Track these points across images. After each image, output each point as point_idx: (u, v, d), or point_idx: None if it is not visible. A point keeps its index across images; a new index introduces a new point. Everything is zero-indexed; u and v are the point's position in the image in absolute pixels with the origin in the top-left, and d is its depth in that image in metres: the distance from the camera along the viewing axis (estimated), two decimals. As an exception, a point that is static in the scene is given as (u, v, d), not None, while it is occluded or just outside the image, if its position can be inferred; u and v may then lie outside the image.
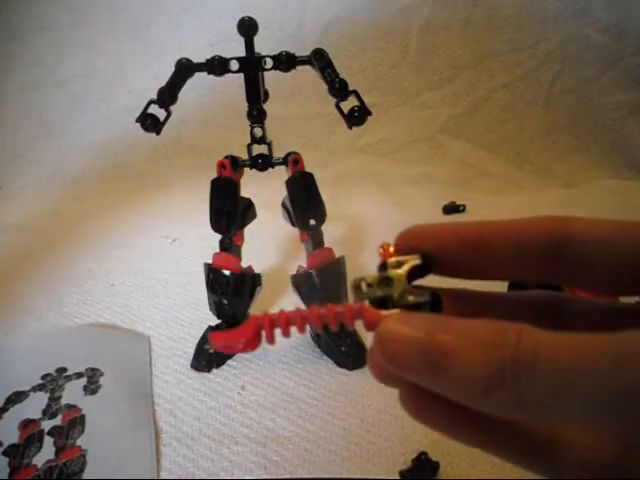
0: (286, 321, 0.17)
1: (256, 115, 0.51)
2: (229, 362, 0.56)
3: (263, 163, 0.53)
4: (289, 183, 0.53)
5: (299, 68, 0.49)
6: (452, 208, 0.96)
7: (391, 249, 0.18)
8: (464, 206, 0.97)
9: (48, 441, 0.44)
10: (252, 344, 0.17)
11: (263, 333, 0.17)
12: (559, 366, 0.13)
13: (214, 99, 1.06)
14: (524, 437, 0.16)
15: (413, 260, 0.17)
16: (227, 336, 0.17)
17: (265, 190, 0.67)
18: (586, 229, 0.17)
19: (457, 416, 0.16)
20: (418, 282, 0.18)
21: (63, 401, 0.49)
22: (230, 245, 0.56)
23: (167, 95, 0.50)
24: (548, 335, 0.13)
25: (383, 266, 0.17)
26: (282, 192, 0.54)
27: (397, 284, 0.17)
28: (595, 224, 0.17)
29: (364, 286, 0.17)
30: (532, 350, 0.13)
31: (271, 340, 0.17)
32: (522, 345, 0.13)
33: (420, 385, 0.15)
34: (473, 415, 0.15)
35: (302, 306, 0.56)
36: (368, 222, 0.93)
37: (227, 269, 0.55)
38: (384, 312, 0.16)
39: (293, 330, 0.17)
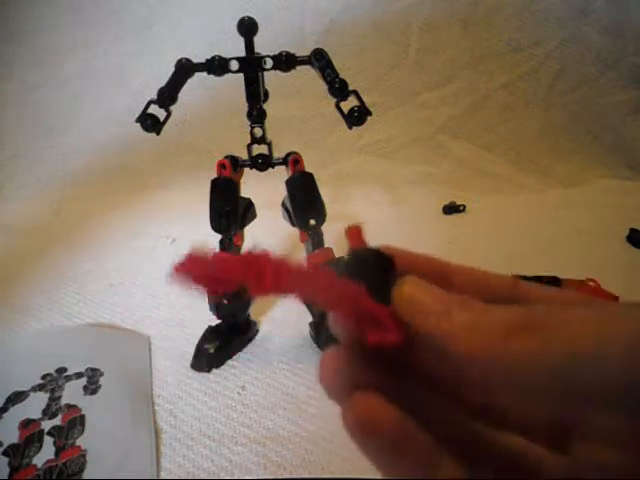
0: (286, 275, 0.14)
1: (256, 115, 0.51)
2: (229, 362, 0.56)
3: (263, 163, 0.53)
4: (289, 183, 0.53)
5: (299, 68, 0.49)
6: (452, 208, 0.96)
7: (362, 235, 0.17)
8: (464, 206, 0.97)
9: (48, 441, 0.44)
10: (261, 287, 0.14)
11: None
12: (593, 324, 0.13)
13: (214, 99, 1.06)
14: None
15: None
16: (219, 263, 0.13)
17: (265, 190, 0.67)
18: (542, 292, 0.17)
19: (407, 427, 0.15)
20: None
21: (63, 401, 0.49)
22: (230, 245, 0.56)
23: (167, 95, 0.50)
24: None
25: (354, 252, 0.17)
26: (282, 192, 0.54)
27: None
28: (541, 289, 0.18)
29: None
30: (564, 310, 0.14)
31: (269, 286, 0.14)
32: (554, 307, 0.14)
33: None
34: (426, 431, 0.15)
35: (302, 306, 0.57)
36: (368, 222, 0.92)
37: (227, 269, 0.55)
38: (379, 306, 0.15)
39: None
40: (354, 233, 0.17)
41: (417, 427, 0.15)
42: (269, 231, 0.78)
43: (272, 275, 0.14)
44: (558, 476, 0.15)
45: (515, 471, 0.16)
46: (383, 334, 0.15)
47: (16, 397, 0.49)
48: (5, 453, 0.43)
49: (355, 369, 0.16)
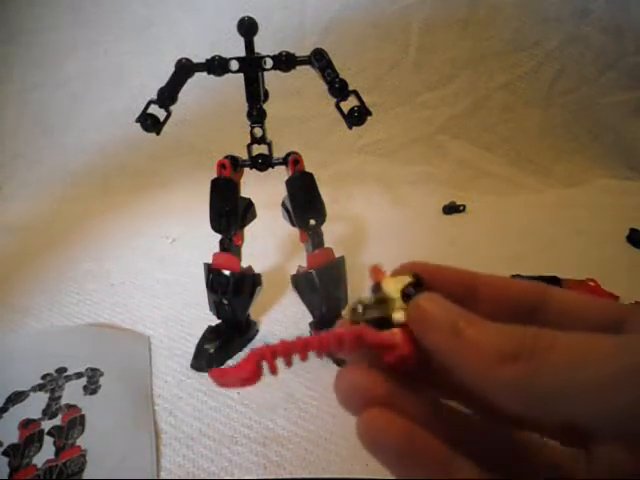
0: (287, 351, 0.17)
1: (256, 115, 0.51)
2: (229, 362, 0.56)
3: (263, 163, 0.53)
4: (289, 183, 0.53)
5: (299, 68, 0.49)
6: (452, 208, 0.96)
7: (383, 270, 0.18)
8: (464, 206, 0.97)
9: (48, 441, 0.44)
10: (252, 378, 0.16)
11: (264, 365, 0.17)
12: (576, 351, 0.13)
13: (214, 99, 1.06)
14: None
15: (405, 279, 0.17)
16: (227, 373, 0.17)
17: (265, 190, 0.67)
18: (563, 296, 0.18)
19: (419, 439, 0.16)
20: None
21: (63, 401, 0.49)
22: (230, 245, 0.56)
23: (167, 95, 0.50)
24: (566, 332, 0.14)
25: (376, 287, 0.18)
26: (282, 192, 0.54)
27: (392, 304, 0.17)
28: (571, 294, 0.18)
29: (360, 308, 0.17)
30: (551, 335, 0.14)
31: (274, 371, 0.17)
32: (542, 332, 0.14)
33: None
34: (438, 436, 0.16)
35: (303, 307, 0.57)
36: (368, 222, 0.93)
37: (227, 269, 0.55)
38: (384, 332, 0.17)
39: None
40: (376, 270, 0.18)
41: (428, 435, 0.16)
42: (269, 231, 0.78)
43: (280, 352, 0.17)
44: (576, 470, 0.16)
45: (531, 467, 0.17)
46: (395, 352, 0.16)
47: (16, 397, 0.49)
48: (5, 453, 0.43)
49: (368, 386, 0.17)
